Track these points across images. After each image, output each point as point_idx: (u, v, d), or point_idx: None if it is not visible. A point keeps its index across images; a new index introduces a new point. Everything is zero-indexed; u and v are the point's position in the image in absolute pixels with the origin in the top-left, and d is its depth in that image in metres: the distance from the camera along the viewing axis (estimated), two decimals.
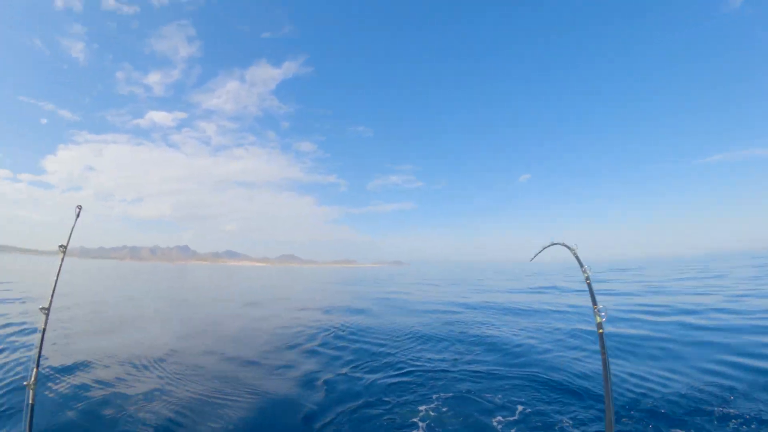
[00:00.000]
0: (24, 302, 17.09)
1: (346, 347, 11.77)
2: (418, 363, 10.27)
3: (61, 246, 4.59)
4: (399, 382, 8.94)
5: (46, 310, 4.24)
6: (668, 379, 8.87)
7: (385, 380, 9.08)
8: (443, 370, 9.62)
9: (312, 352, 11.26)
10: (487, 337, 13.06)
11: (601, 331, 4.68)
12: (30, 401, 3.93)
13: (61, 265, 4.58)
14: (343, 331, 14.02)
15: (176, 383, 8.35)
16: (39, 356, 4.10)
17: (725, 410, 7.34)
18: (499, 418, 7.39)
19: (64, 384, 7.87)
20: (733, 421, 6.91)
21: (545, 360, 10.44)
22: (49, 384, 7.84)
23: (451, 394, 8.43)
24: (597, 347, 10.80)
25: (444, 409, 7.77)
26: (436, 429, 7.04)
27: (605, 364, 4.50)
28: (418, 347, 11.87)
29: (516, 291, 26.83)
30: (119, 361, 9.65)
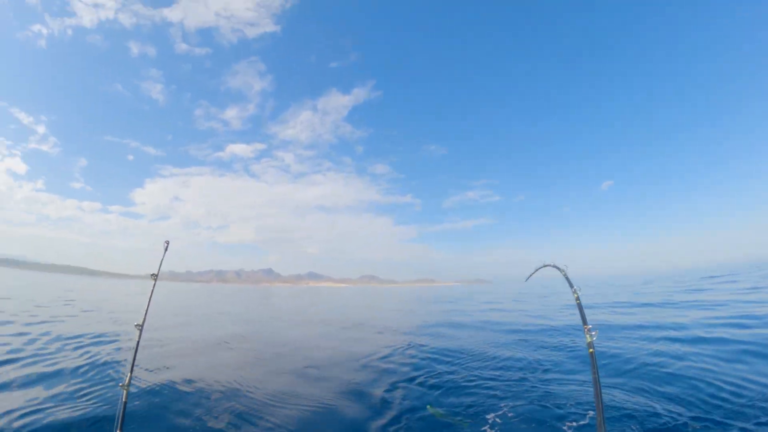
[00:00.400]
0: (116, 321, 18.98)
1: (418, 363, 11.94)
2: (489, 376, 10.30)
3: (152, 275, 5.66)
4: (470, 393, 9.15)
5: (140, 327, 5.28)
6: None
7: (457, 392, 9.33)
8: (513, 381, 9.61)
9: (387, 368, 11.53)
10: (569, 348, 12.82)
11: (591, 350, 4.85)
12: (123, 399, 4.88)
13: (152, 290, 5.62)
14: (417, 347, 14.26)
15: (255, 393, 9.19)
16: (133, 363, 5.08)
17: None
18: (572, 423, 7.44)
19: (153, 388, 9.11)
20: None
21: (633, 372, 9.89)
22: (140, 386, 9.13)
23: (521, 403, 8.48)
24: (680, 364, 10.43)
25: (510, 415, 7.93)
26: None
27: (596, 384, 4.62)
28: (491, 364, 11.56)
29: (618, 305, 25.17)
30: (204, 372, 10.67)
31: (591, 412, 7.70)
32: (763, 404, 7.50)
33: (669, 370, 9.88)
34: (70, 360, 11.13)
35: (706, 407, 7.64)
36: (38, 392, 8.24)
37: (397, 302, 47.12)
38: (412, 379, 10.31)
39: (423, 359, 12.52)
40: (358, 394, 9.25)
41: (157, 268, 5.66)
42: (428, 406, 8.28)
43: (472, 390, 9.46)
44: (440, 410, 8.06)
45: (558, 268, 6.42)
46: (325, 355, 13.45)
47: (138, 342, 5.18)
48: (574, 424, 7.35)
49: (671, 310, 20.65)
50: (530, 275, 7.41)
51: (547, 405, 8.27)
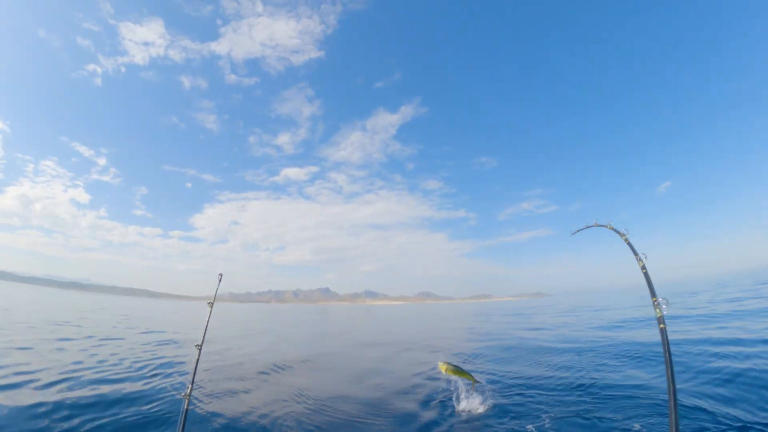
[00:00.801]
0: (177, 342, 20.17)
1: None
2: (536, 387, 10.31)
3: (209, 302, 6.53)
4: (516, 402, 9.07)
5: (199, 346, 6.14)
6: None
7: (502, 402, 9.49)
8: (560, 393, 9.57)
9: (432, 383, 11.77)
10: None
11: (662, 326, 4.30)
12: (185, 407, 5.53)
13: (209, 315, 6.46)
14: (465, 361, 14.46)
15: (314, 410, 9.91)
16: (194, 374, 5.88)
17: None
18: None
19: (213, 399, 10.11)
20: None
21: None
22: (200, 397, 10.18)
23: (565, 414, 8.59)
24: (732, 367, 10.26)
25: (548, 425, 8.13)
26: None
27: (669, 364, 4.06)
28: (540, 375, 11.60)
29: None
30: (262, 387, 11.48)
31: (637, 425, 7.67)
32: None
33: None
34: (136, 371, 12.41)
35: None
36: (108, 400, 9.35)
37: (454, 320, 46.82)
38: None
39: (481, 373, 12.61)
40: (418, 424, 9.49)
41: (213, 296, 6.59)
42: (439, 363, 8.14)
43: (517, 399, 9.71)
44: (451, 366, 7.91)
45: (617, 231, 5.81)
46: (388, 381, 12.91)
47: (197, 360, 6.01)
48: None
49: None
50: (578, 230, 7.05)
51: (593, 418, 8.33)
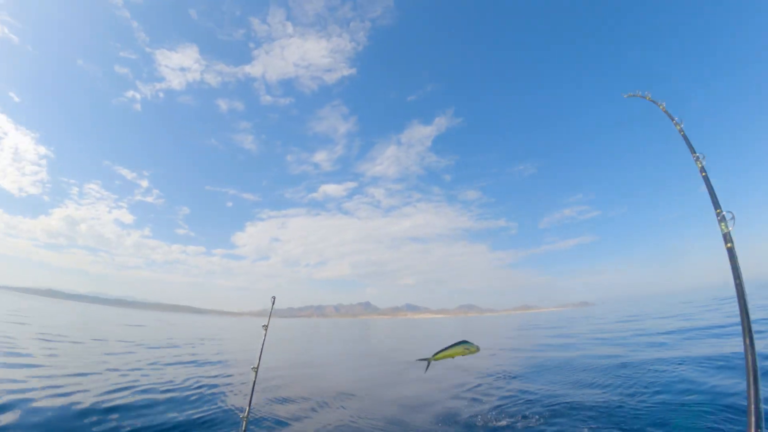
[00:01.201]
0: (231, 364, 20.58)
1: (499, 394, 11.96)
2: (577, 400, 10.16)
3: (263, 326, 6.76)
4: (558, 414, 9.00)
5: (256, 369, 6.35)
6: None
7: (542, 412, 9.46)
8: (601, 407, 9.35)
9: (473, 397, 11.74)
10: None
11: (729, 245, 3.48)
12: (243, 428, 5.76)
13: (264, 338, 6.70)
14: (501, 376, 14.38)
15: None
16: (251, 396, 6.13)
17: None
18: None
19: (268, 420, 10.33)
20: None
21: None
22: (258, 419, 10.41)
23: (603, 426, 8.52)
24: None
25: None
26: None
27: (742, 299, 3.17)
28: (582, 388, 11.23)
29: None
30: (319, 409, 11.60)
31: None
32: None
33: None
34: (192, 390, 12.80)
35: None
36: (167, 418, 9.67)
37: (497, 333, 46.11)
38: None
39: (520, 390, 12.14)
40: None
41: (267, 319, 6.82)
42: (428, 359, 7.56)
43: (560, 411, 9.65)
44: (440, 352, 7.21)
45: (669, 116, 5.29)
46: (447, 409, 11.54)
47: (254, 381, 6.25)
48: None
49: None
50: (630, 95, 6.56)
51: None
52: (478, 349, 5.90)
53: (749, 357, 2.99)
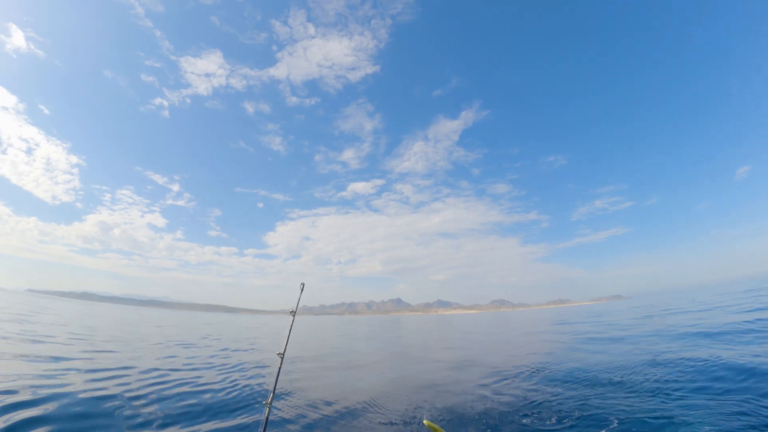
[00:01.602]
0: (260, 351, 20.90)
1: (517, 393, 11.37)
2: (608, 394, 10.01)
3: (291, 311, 6.89)
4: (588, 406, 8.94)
5: (282, 355, 6.38)
6: None
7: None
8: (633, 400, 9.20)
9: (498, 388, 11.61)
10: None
11: None
12: (266, 415, 5.79)
13: (291, 324, 6.89)
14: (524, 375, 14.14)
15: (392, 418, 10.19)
16: (275, 384, 6.11)
17: None
18: None
19: (291, 408, 10.61)
20: None
21: None
22: (281, 405, 10.73)
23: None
24: None
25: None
26: None
27: None
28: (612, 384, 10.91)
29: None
30: (340, 398, 11.77)
31: (707, 428, 7.51)
32: None
33: None
34: (221, 382, 13.29)
35: None
36: (197, 406, 10.15)
37: (527, 328, 45.26)
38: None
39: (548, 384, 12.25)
40: None
41: (295, 305, 6.99)
42: (425, 421, 7.65)
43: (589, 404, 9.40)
44: (436, 425, 7.28)
45: None
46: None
47: (279, 368, 6.32)
48: None
49: None
50: None
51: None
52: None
53: None
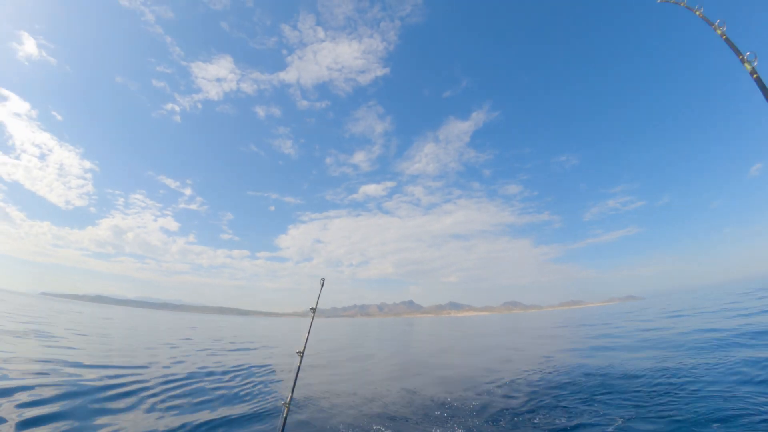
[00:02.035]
0: (276, 353, 20.91)
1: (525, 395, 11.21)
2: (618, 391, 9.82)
3: (311, 308, 6.77)
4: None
5: (301, 353, 6.22)
6: None
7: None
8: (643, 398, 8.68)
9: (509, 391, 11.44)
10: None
11: (756, 75, 3.48)
12: (284, 415, 5.70)
13: (312, 321, 6.77)
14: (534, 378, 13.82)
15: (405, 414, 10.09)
16: (294, 384, 5.99)
17: None
18: None
19: (311, 407, 10.59)
20: None
21: None
22: (300, 405, 10.72)
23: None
24: None
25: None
26: None
27: None
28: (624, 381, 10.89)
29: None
30: (356, 397, 11.77)
31: (716, 425, 7.53)
32: None
33: None
34: (240, 382, 13.43)
35: None
36: (217, 406, 10.15)
37: (540, 330, 44.67)
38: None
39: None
40: None
41: (315, 302, 6.82)
42: None
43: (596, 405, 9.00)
44: None
45: (708, 21, 4.75)
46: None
47: (299, 366, 6.14)
48: None
49: None
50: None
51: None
52: None
53: None
